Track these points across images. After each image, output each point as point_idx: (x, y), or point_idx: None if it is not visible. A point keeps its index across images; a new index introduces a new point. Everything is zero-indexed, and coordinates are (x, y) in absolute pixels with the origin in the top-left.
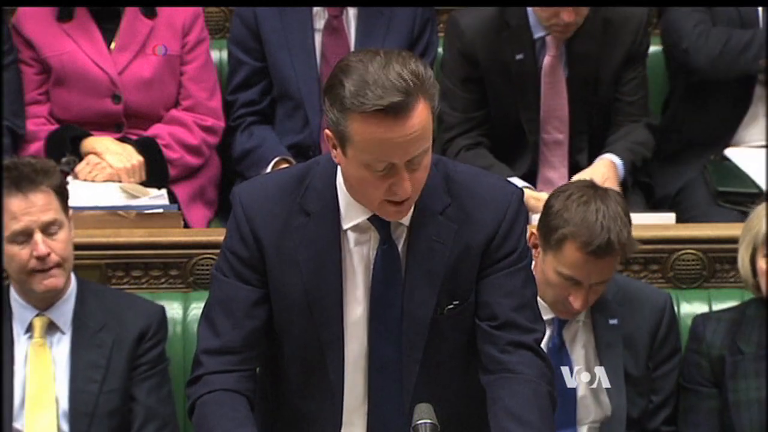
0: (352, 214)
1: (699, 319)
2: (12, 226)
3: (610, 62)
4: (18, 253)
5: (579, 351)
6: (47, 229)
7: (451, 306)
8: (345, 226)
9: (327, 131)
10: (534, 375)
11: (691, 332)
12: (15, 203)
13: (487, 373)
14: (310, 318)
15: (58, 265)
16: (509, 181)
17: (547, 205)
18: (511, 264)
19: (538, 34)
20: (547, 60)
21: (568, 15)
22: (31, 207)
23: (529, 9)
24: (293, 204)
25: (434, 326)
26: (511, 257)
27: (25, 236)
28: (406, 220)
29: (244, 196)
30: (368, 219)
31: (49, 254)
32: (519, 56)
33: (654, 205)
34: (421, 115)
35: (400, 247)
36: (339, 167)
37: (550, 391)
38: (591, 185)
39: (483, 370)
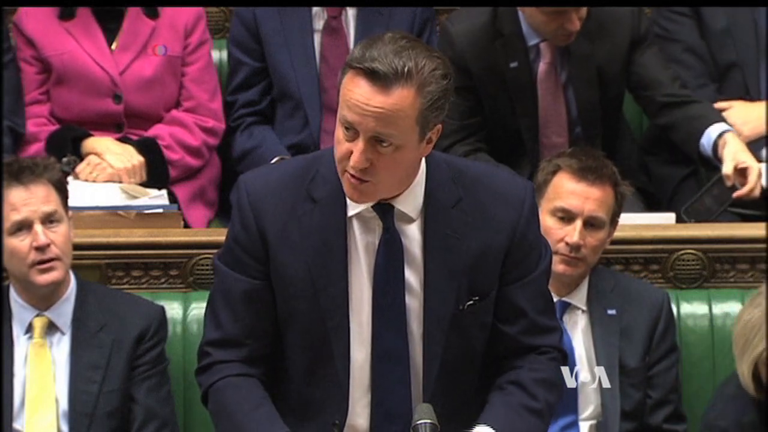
0: None
1: (721, 429)
2: (12, 217)
3: (613, 55)
4: (18, 246)
5: (579, 336)
6: (47, 220)
7: (471, 302)
8: (350, 213)
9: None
10: (553, 371)
11: None
12: (15, 194)
13: (506, 372)
14: (315, 306)
15: (58, 259)
16: (518, 175)
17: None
18: (535, 265)
19: (531, 41)
20: (542, 66)
21: (572, 24)
22: (31, 197)
23: (522, 16)
24: (300, 191)
25: (455, 322)
26: (533, 255)
27: (25, 227)
28: (412, 211)
29: (250, 185)
30: (372, 207)
31: (49, 245)
32: (513, 64)
33: (651, 205)
34: (398, 99)
35: (415, 242)
36: None
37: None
38: None
39: (502, 371)
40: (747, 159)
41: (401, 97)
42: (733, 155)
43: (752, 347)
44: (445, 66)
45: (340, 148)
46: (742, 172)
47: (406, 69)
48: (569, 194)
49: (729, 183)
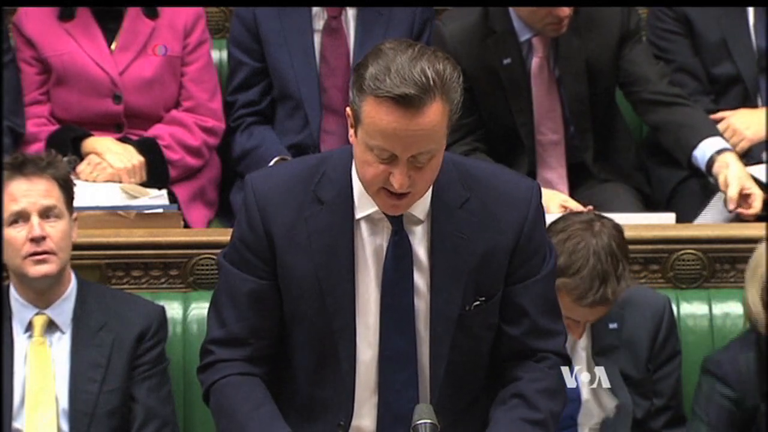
0: (365, 204)
1: (715, 362)
2: (11, 208)
3: (602, 49)
4: (14, 237)
5: (580, 353)
6: (45, 213)
7: (477, 303)
8: (358, 216)
9: (347, 109)
10: (553, 378)
11: (710, 375)
12: (16, 185)
13: (510, 380)
14: (322, 307)
15: (53, 253)
16: (524, 176)
17: None
18: (539, 267)
19: (524, 37)
20: (535, 61)
21: (562, 10)
22: (31, 189)
23: (513, 13)
24: (307, 192)
25: (461, 323)
26: (537, 257)
27: (22, 218)
28: (420, 213)
29: (257, 184)
30: None
31: (44, 238)
32: (506, 61)
33: (649, 205)
34: (432, 115)
35: (421, 243)
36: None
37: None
38: (588, 221)
39: (505, 376)
40: (752, 186)
41: (434, 111)
42: (739, 181)
43: (760, 275)
44: (453, 62)
45: (370, 170)
46: (745, 197)
47: (431, 81)
48: (571, 310)
49: (731, 206)
